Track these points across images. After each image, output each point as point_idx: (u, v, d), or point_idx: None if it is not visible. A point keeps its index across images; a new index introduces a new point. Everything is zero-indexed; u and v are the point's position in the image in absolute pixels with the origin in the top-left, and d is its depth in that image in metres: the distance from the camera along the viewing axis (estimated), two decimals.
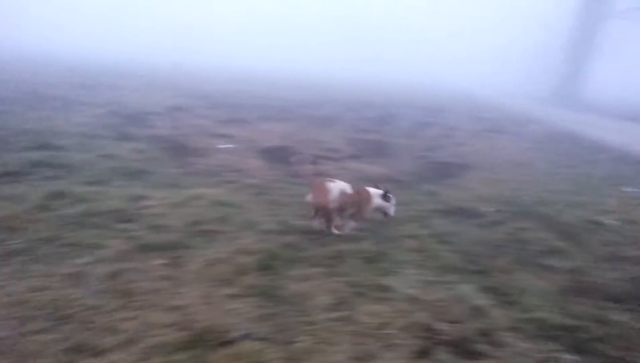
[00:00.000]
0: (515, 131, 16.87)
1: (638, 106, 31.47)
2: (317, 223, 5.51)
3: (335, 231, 5.46)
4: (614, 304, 4.38)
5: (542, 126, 19.15)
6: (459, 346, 3.39)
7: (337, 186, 5.31)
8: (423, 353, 3.29)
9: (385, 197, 5.59)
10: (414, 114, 19.53)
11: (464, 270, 4.76)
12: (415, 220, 6.22)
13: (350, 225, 5.55)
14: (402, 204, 6.94)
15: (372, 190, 5.59)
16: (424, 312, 3.79)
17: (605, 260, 5.43)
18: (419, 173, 9.38)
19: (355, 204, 5.44)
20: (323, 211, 5.39)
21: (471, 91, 38.67)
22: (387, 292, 4.12)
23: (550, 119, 22.22)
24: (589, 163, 11.76)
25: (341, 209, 5.41)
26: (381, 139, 12.68)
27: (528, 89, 46.49)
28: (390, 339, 3.44)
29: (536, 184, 8.96)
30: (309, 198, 5.36)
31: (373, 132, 13.80)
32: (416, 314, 3.76)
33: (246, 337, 3.33)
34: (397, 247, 5.18)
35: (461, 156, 11.35)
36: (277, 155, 9.45)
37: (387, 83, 40.38)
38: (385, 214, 5.69)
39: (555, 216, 6.86)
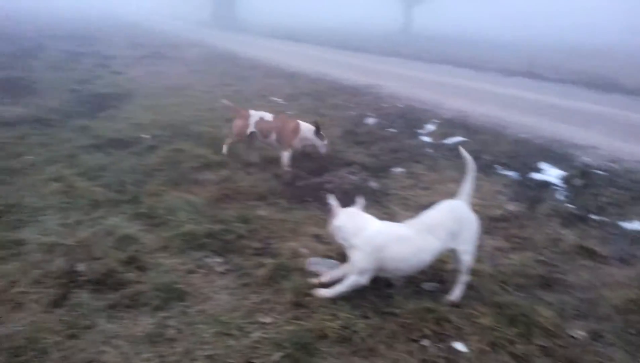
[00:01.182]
0: (176, 56, 16.80)
1: (287, 26, 35.13)
2: (254, 156, 6.05)
3: (252, 160, 6.01)
4: (258, 202, 4.82)
5: (202, 49, 19.61)
6: (103, 282, 3.17)
7: (257, 114, 5.91)
8: (58, 301, 2.95)
9: (317, 133, 5.86)
10: (64, 44, 17.42)
11: (115, 202, 4.49)
12: (61, 160, 5.54)
13: (284, 156, 5.83)
14: (45, 145, 6.14)
15: (303, 123, 5.91)
16: (63, 257, 3.41)
17: (254, 165, 5.92)
18: (70, 108, 8.41)
19: (277, 131, 5.82)
20: (240, 136, 5.93)
21: (135, 19, 36.57)
22: (19, 247, 3.55)
23: (210, 41, 22.94)
24: (244, 79, 12.61)
25: (262, 136, 5.90)
26: (21, 76, 10.87)
27: (190, 13, 46.72)
28: (20, 298, 2.98)
29: (194, 105, 9.11)
30: (233, 125, 6.01)
31: (10, 69, 11.70)
32: (54, 262, 3.35)
33: None
34: (35, 194, 4.52)
35: (119, 86, 10.68)
36: None
37: (36, 13, 34.92)
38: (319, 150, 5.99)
39: (212, 132, 7.11)
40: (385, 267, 3.13)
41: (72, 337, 2.68)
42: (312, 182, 5.38)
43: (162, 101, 9.41)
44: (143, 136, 6.82)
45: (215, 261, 3.61)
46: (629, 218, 4.72)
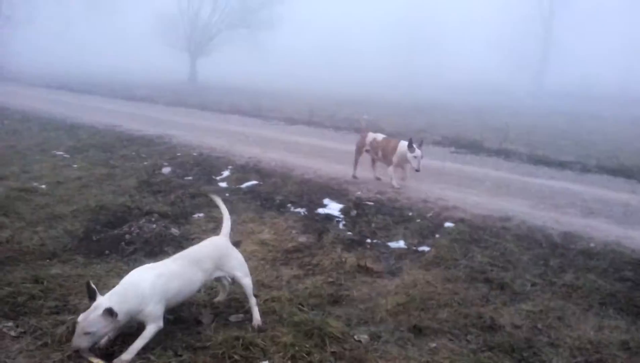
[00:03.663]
0: None
1: (63, 76, 32.51)
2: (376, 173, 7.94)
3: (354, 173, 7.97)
4: (50, 261, 4.56)
5: None
6: None
7: (372, 135, 7.72)
8: None
9: (410, 146, 6.99)
10: None
11: None
12: None
13: (389, 172, 7.56)
14: None
15: (402, 141, 7.27)
16: None
17: (40, 223, 5.52)
18: None
19: (381, 150, 7.50)
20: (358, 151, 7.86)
21: None
22: None
23: None
24: (16, 133, 11.46)
25: (373, 152, 7.65)
26: None
27: None
28: None
29: None
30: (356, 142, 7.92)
31: None
32: None
33: None
34: None
35: None
36: None
37: None
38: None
39: None
40: (167, 303, 3.29)
41: None
42: (110, 235, 5.26)
43: None
44: None
45: (6, 325, 3.35)
46: (394, 239, 5.70)
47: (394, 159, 7.36)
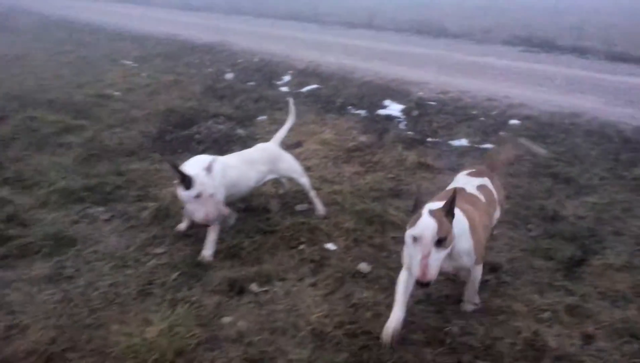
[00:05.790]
0: (3, 25, 15.12)
1: None
2: None
3: None
4: (129, 157, 4.93)
5: (32, 17, 17.80)
6: None
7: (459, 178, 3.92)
8: None
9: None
10: None
11: None
12: None
13: None
14: None
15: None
16: None
17: (117, 126, 5.90)
18: None
19: None
20: None
21: None
22: None
23: (38, 8, 20.81)
24: (87, 44, 11.89)
25: None
26: None
27: None
28: None
29: (36, 75, 8.52)
30: None
31: None
32: None
33: None
34: None
35: None
36: None
37: None
38: None
39: (64, 98, 6.85)
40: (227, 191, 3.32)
41: None
42: (181, 135, 5.56)
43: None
44: None
45: (98, 210, 3.74)
46: (456, 137, 5.66)
47: None
